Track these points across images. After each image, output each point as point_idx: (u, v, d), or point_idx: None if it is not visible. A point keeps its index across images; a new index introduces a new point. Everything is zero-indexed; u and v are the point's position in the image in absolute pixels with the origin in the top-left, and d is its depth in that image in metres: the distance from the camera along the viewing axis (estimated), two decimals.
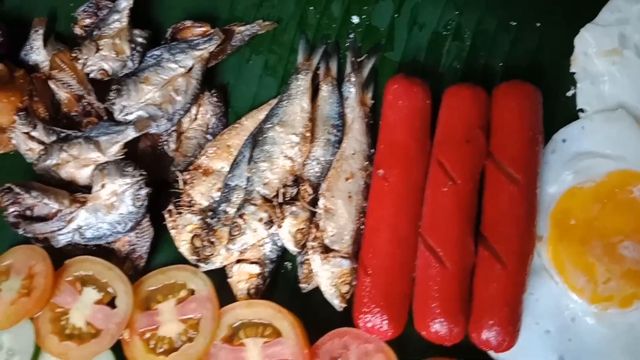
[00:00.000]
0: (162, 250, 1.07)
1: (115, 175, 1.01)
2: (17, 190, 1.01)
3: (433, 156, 1.01)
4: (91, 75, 1.07)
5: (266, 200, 0.98)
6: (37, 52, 1.14)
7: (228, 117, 1.12)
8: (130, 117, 1.04)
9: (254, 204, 0.98)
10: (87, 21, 1.15)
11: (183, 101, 1.06)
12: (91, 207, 1.02)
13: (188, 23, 1.10)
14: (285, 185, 0.99)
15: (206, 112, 1.09)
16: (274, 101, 1.10)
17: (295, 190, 0.99)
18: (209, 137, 1.09)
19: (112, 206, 1.01)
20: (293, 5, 1.14)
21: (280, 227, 0.97)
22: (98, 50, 1.06)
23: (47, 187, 1.03)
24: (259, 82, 1.12)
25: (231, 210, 1.02)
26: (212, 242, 1.00)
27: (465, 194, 0.99)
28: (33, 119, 1.09)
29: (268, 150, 1.01)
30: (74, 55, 1.06)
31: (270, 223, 0.97)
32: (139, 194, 1.00)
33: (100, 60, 1.05)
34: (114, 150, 1.03)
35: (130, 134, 1.01)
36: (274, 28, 1.13)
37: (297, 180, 1.01)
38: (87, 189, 1.07)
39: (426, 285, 0.97)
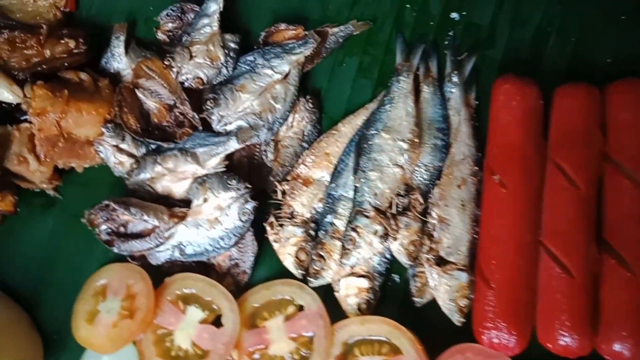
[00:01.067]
0: (263, 263, 1.03)
1: (219, 189, 0.97)
2: (115, 207, 0.97)
3: (550, 159, 0.97)
4: (186, 84, 1.03)
5: (379, 211, 0.95)
6: (119, 60, 1.10)
7: (322, 123, 1.08)
8: (229, 128, 1.00)
9: (367, 216, 0.94)
10: (170, 25, 1.11)
11: (282, 109, 1.02)
12: (192, 222, 0.99)
13: (282, 26, 1.05)
14: (398, 195, 0.96)
15: (302, 119, 1.05)
16: (370, 105, 1.06)
17: (407, 200, 0.96)
18: (304, 144, 1.05)
19: (215, 221, 0.98)
20: (388, 3, 1.09)
21: (395, 239, 0.94)
22: (192, 57, 1.02)
23: (146, 203, 1.00)
24: (353, 86, 1.08)
25: (338, 223, 0.99)
26: (321, 256, 0.96)
27: (587, 198, 0.95)
28: (121, 131, 1.06)
29: (376, 159, 0.97)
30: (166, 63, 1.01)
31: (385, 236, 0.94)
32: (245, 208, 0.96)
33: (195, 68, 1.01)
34: (214, 162, 0.99)
35: (233, 145, 0.97)
36: (368, 28, 1.10)
37: (408, 189, 0.98)
38: (184, 202, 1.04)
39: (551, 295, 0.92)
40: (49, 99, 1.00)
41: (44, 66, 1.05)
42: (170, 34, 1.11)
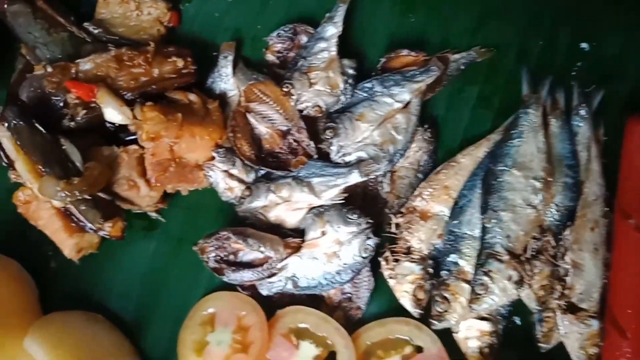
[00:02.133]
0: (375, 297, 0.99)
1: (339, 223, 0.94)
2: (234, 238, 0.95)
3: None
4: (305, 112, 0.99)
5: (512, 255, 0.91)
6: (226, 81, 1.07)
7: (437, 152, 1.05)
8: (348, 158, 0.97)
9: (500, 260, 0.90)
10: (280, 46, 1.08)
11: (404, 140, 0.98)
12: (307, 254, 0.96)
13: (404, 52, 1.01)
14: (533, 238, 0.92)
15: (418, 149, 1.01)
16: (492, 136, 1.02)
17: (541, 243, 0.92)
18: (420, 175, 1.02)
19: (333, 255, 0.94)
20: (513, 30, 1.05)
21: (530, 285, 0.90)
22: (311, 84, 0.98)
23: (262, 234, 0.96)
24: (472, 115, 1.04)
25: (463, 263, 0.95)
26: (445, 298, 0.93)
27: None
28: (232, 156, 1.03)
29: (507, 198, 0.93)
30: (285, 90, 0.98)
31: (520, 282, 0.90)
32: (367, 245, 0.93)
33: (315, 96, 0.98)
34: (332, 194, 0.96)
35: (355, 178, 0.94)
36: (491, 55, 1.05)
37: (541, 231, 0.94)
38: (295, 232, 1.01)
39: None
40: (162, 123, 0.97)
41: (153, 86, 1.02)
42: (280, 55, 1.08)
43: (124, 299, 1.05)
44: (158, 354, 1.02)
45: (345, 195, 0.96)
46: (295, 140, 1.01)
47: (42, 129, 0.97)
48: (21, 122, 0.95)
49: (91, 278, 1.06)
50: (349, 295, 0.99)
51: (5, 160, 0.99)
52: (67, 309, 1.05)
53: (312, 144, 0.99)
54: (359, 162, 0.96)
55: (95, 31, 1.09)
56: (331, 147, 0.97)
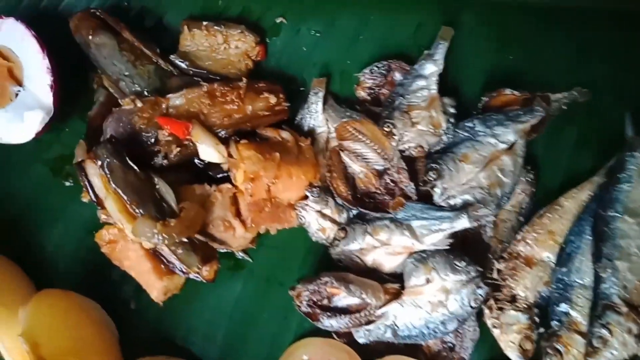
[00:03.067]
0: (478, 347, 0.95)
1: (446, 270, 0.91)
2: (334, 283, 0.92)
3: None
4: (406, 153, 0.97)
5: (631, 306, 0.88)
6: (315, 117, 1.05)
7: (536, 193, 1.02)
8: (453, 202, 0.94)
9: (619, 312, 0.87)
10: (370, 82, 1.06)
11: (511, 183, 0.95)
12: (409, 302, 0.92)
13: (506, 91, 0.99)
14: None
15: (520, 192, 0.99)
16: (595, 179, 0.99)
17: None
18: (521, 218, 0.99)
19: (439, 304, 0.91)
20: (612, 69, 1.02)
21: None
22: (413, 124, 0.97)
23: (363, 280, 0.93)
24: (571, 155, 1.01)
25: (575, 313, 0.91)
26: (557, 350, 0.90)
27: None
28: (325, 196, 1.01)
29: (622, 246, 0.90)
30: (387, 129, 0.96)
31: None
32: (477, 294, 0.90)
33: (418, 136, 0.96)
34: (435, 239, 0.92)
35: (463, 223, 0.90)
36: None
37: None
38: (392, 276, 0.97)
39: None
40: (260, 162, 0.95)
41: (248, 124, 1.01)
42: (371, 91, 1.06)
43: (209, 342, 1.02)
44: None
45: (451, 241, 0.93)
46: (392, 181, 0.99)
47: (135, 167, 0.96)
48: (115, 160, 0.94)
49: (174, 320, 1.03)
50: (450, 344, 0.96)
51: (94, 198, 0.98)
52: (148, 352, 1.02)
53: (412, 185, 0.96)
54: (466, 206, 0.93)
55: (182, 64, 1.08)
56: (435, 190, 0.94)
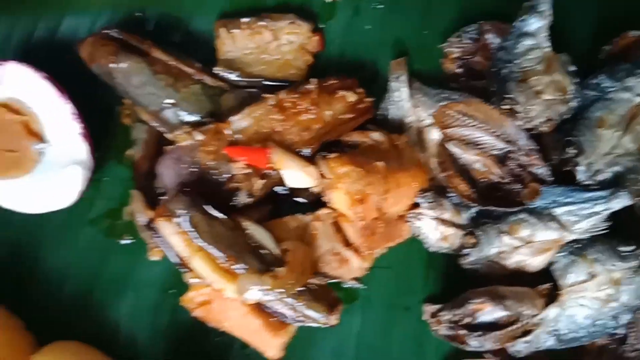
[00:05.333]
0: None
1: (612, 259, 0.79)
2: (486, 303, 0.80)
3: None
4: (535, 130, 0.82)
5: None
6: (401, 107, 0.90)
7: None
8: (601, 177, 0.81)
9: None
10: (458, 52, 0.91)
11: None
12: (571, 302, 0.81)
13: (632, 34, 0.84)
14: None
15: None
16: None
17: None
18: None
19: (607, 299, 0.79)
20: None
21: None
22: (537, 94, 0.82)
23: (514, 290, 0.81)
24: None
25: None
26: None
27: None
28: (439, 198, 0.88)
29: None
30: (507, 108, 0.82)
31: None
32: None
33: (546, 108, 0.81)
34: (588, 224, 0.80)
35: (622, 201, 0.78)
36: None
37: None
38: (541, 276, 0.87)
39: None
40: (363, 178, 0.80)
41: (331, 133, 0.86)
42: (462, 62, 0.91)
43: None
44: None
45: (609, 224, 0.81)
46: (519, 165, 0.85)
47: (220, 215, 0.82)
48: (196, 213, 0.79)
49: None
50: (619, 336, 0.87)
51: (177, 260, 0.84)
52: None
53: (546, 166, 0.83)
54: (618, 178, 0.81)
55: (231, 75, 0.92)
56: (577, 168, 0.81)
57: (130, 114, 0.97)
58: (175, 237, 0.81)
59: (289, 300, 0.78)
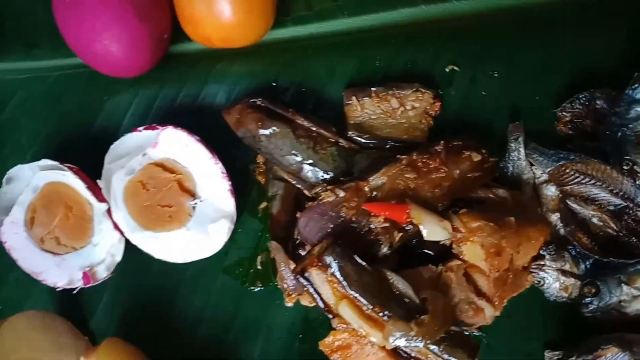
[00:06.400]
0: None
1: None
2: (619, 350, 0.87)
3: None
4: None
5: None
6: (518, 165, 1.01)
7: None
8: None
9: None
10: (569, 116, 1.03)
11: None
12: None
13: None
14: None
15: None
16: None
17: None
18: None
19: None
20: None
21: None
22: None
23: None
24: None
25: None
26: None
27: None
28: (561, 251, 0.96)
29: None
30: (626, 167, 0.91)
31: None
32: None
33: None
34: None
35: None
36: None
37: None
38: None
39: None
40: (496, 232, 0.90)
41: (460, 191, 0.95)
42: (573, 126, 1.02)
43: None
44: None
45: None
46: (634, 220, 0.94)
47: (367, 266, 0.91)
48: (347, 263, 0.89)
49: None
50: None
51: (323, 306, 0.93)
52: None
53: None
54: None
55: (360, 138, 1.04)
56: None
57: (263, 172, 1.10)
58: (325, 286, 0.91)
59: (433, 347, 0.87)
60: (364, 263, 0.90)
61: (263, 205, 1.08)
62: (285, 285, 1.01)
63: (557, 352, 0.95)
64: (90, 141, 1.14)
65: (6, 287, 1.09)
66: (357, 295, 0.89)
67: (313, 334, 1.02)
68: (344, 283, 0.89)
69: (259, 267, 1.06)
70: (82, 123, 1.16)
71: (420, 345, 0.86)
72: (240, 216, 1.09)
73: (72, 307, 1.08)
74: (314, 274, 0.91)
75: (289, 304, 1.02)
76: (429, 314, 0.88)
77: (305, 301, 1.01)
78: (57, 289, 1.05)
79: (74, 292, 1.05)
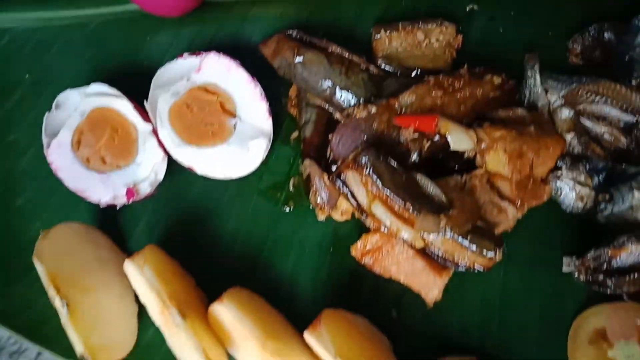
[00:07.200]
0: None
1: None
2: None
3: None
4: None
5: None
6: (534, 92, 1.10)
7: None
8: None
9: None
10: (580, 48, 1.13)
11: None
12: None
13: None
14: None
15: None
16: None
17: None
18: None
19: None
20: None
21: None
22: None
23: None
24: None
25: None
26: None
27: None
28: (576, 164, 1.04)
29: None
30: (636, 82, 1.01)
31: None
32: None
33: None
34: None
35: None
36: None
37: None
38: None
39: None
40: (518, 139, 0.99)
41: (483, 108, 1.05)
42: (584, 56, 1.12)
43: (485, 335, 1.02)
44: None
45: None
46: None
47: (399, 167, 0.99)
48: (381, 164, 0.97)
49: (443, 320, 1.04)
50: None
51: (357, 206, 1.00)
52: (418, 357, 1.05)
53: None
54: None
55: (389, 67, 1.14)
56: None
57: (295, 105, 1.19)
58: (360, 187, 0.99)
59: (461, 240, 0.94)
60: (396, 164, 0.99)
61: (295, 134, 1.18)
62: (318, 200, 1.10)
63: (573, 257, 1.03)
64: (134, 74, 1.23)
65: (51, 206, 1.16)
66: (389, 193, 0.97)
67: (342, 248, 1.09)
68: (378, 182, 0.97)
69: (292, 189, 1.15)
70: (125, 60, 1.25)
71: (449, 236, 0.94)
72: (274, 144, 1.18)
73: (114, 225, 1.17)
74: (350, 175, 0.99)
75: (321, 218, 1.11)
76: (456, 208, 0.96)
77: (337, 215, 1.10)
78: (101, 206, 1.14)
79: (117, 208, 1.15)
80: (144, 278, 1.00)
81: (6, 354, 1.25)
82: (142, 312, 1.08)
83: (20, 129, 1.26)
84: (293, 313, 1.07)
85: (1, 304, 1.12)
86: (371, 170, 0.98)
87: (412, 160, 1.02)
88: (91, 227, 1.14)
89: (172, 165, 1.14)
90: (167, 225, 1.15)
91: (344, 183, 1.00)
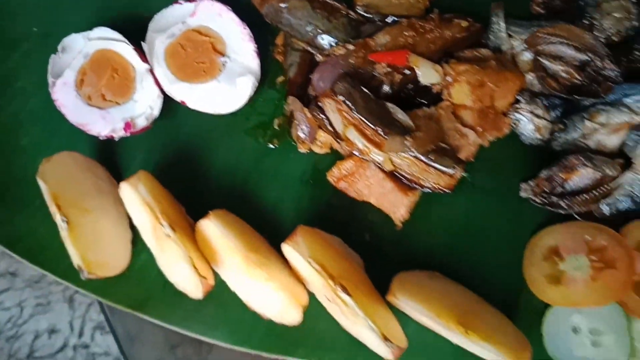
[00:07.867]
0: None
1: None
2: (584, 161, 1.04)
3: None
4: (606, 41, 1.14)
5: None
6: (499, 37, 1.21)
7: None
8: None
9: None
10: None
11: None
12: None
13: None
14: None
15: None
16: None
17: None
18: None
19: None
20: None
21: None
22: (608, 14, 1.13)
23: (594, 156, 1.07)
24: None
25: None
26: None
27: None
28: (534, 98, 1.15)
29: None
30: (587, 22, 1.12)
31: None
32: None
33: (616, 23, 1.12)
34: None
35: None
36: None
37: None
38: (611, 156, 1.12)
39: None
40: (480, 72, 1.10)
41: (452, 47, 1.16)
42: (546, 5, 1.23)
43: (449, 257, 1.14)
44: (500, 296, 1.10)
45: None
46: (594, 71, 1.14)
47: (372, 95, 1.09)
48: (356, 92, 1.08)
49: (412, 241, 1.14)
50: None
51: (333, 132, 1.11)
52: (394, 274, 1.12)
53: (617, 68, 1.11)
54: None
55: (367, 14, 1.25)
56: None
57: (281, 52, 1.29)
58: (336, 115, 1.09)
59: (424, 158, 1.05)
60: (369, 93, 1.09)
61: (281, 79, 1.28)
62: (300, 134, 1.20)
63: (529, 182, 1.13)
64: (134, 19, 1.30)
65: (53, 146, 1.24)
66: (362, 118, 1.08)
67: (322, 179, 1.20)
68: (352, 108, 1.08)
69: (277, 128, 1.26)
70: (126, 7, 1.31)
71: (413, 154, 1.04)
72: (261, 88, 1.28)
73: (112, 157, 1.28)
74: (327, 102, 1.10)
75: (303, 150, 1.22)
76: (421, 131, 1.07)
77: (317, 147, 1.20)
78: (101, 138, 1.25)
79: (116, 139, 1.25)
80: (139, 195, 1.10)
81: (3, 339, 1.37)
82: (136, 241, 1.19)
83: (27, 76, 1.37)
84: (275, 240, 1.15)
85: (7, 231, 1.24)
86: (346, 97, 1.09)
87: (385, 91, 1.14)
88: (91, 159, 1.26)
89: (168, 103, 1.23)
90: (160, 160, 1.25)
91: (322, 110, 1.10)
